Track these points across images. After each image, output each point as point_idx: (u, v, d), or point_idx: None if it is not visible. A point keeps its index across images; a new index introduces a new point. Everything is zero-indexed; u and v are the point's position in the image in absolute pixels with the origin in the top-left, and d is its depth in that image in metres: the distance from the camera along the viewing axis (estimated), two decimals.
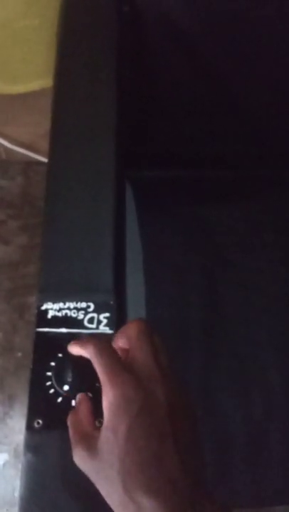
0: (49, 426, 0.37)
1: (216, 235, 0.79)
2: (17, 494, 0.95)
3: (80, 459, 0.33)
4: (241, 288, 0.75)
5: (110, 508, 0.31)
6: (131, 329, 0.36)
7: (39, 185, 1.21)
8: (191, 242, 0.78)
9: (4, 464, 0.98)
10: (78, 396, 0.38)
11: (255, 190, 0.84)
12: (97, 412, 0.36)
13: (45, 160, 1.16)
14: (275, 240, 0.79)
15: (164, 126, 0.80)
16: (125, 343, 0.36)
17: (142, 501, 0.29)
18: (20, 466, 0.97)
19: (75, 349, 0.38)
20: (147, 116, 0.77)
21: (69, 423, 0.36)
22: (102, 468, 0.32)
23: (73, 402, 0.38)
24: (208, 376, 0.68)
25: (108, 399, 0.33)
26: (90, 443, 0.33)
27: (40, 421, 0.37)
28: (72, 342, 0.38)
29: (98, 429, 0.34)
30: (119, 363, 0.34)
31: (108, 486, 0.31)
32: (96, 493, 0.32)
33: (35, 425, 0.37)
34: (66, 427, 0.36)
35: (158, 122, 0.79)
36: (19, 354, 1.08)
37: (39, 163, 1.19)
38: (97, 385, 0.38)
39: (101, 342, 0.36)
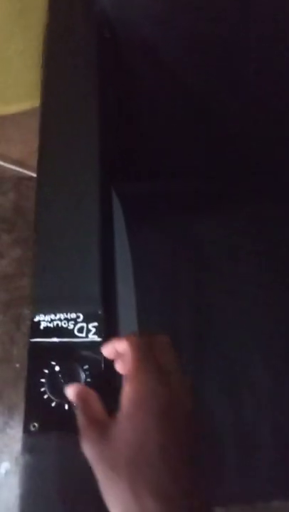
0: (44, 428, 0.39)
1: (204, 244, 0.80)
2: None
3: (88, 442, 0.33)
4: (228, 294, 0.76)
5: (106, 508, 0.31)
6: (157, 340, 0.38)
7: (31, 200, 1.23)
8: (179, 252, 0.79)
9: (6, 473, 0.99)
10: (79, 387, 0.38)
11: (241, 201, 0.85)
12: None
13: (36, 175, 1.19)
14: (259, 248, 0.80)
15: (149, 140, 0.82)
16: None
17: (148, 503, 0.29)
18: None
19: (109, 346, 0.39)
20: (132, 132, 0.79)
21: (78, 409, 0.36)
22: (110, 456, 0.31)
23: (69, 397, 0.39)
24: (198, 379, 0.69)
25: (133, 387, 0.33)
26: (102, 429, 0.33)
27: (36, 424, 0.39)
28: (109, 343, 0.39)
29: (110, 417, 0.34)
30: (152, 360, 0.35)
31: (111, 475, 0.30)
32: (91, 492, 0.32)
33: (32, 428, 0.39)
34: (61, 429, 0.38)
35: (143, 137, 0.81)
36: (17, 365, 1.09)
37: (30, 178, 1.21)
38: None
39: (141, 340, 0.37)
